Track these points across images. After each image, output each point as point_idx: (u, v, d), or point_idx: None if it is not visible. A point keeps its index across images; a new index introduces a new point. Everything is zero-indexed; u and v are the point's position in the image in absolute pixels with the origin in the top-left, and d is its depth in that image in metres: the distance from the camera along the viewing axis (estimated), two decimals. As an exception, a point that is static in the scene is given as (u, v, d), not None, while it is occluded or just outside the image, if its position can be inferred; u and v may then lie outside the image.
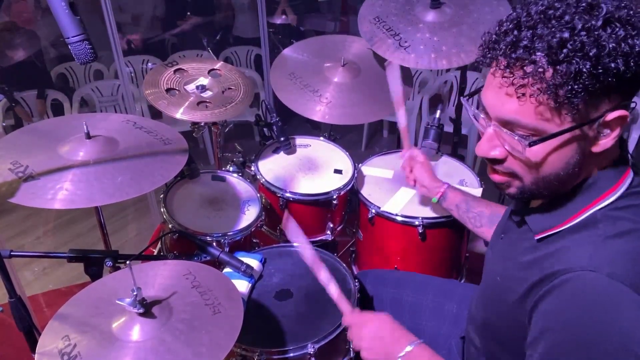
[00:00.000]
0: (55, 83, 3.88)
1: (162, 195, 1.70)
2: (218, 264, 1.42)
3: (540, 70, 0.72)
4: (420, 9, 1.81)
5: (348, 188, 1.80)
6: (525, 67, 0.73)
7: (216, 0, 4.52)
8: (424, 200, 1.68)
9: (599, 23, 0.70)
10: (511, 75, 0.75)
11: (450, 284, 1.45)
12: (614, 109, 0.75)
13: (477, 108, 0.87)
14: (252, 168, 1.87)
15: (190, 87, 1.85)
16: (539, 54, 0.72)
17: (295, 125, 3.60)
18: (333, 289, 1.16)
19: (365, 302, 1.43)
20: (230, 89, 1.89)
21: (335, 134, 2.12)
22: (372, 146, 4.17)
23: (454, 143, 2.20)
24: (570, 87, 0.71)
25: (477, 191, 1.75)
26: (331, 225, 1.86)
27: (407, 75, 1.95)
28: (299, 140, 2.03)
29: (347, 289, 1.40)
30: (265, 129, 1.99)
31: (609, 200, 0.80)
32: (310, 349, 1.21)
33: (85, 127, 1.32)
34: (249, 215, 1.70)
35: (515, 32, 0.75)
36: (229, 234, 1.60)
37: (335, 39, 2.11)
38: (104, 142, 1.36)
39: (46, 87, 3.61)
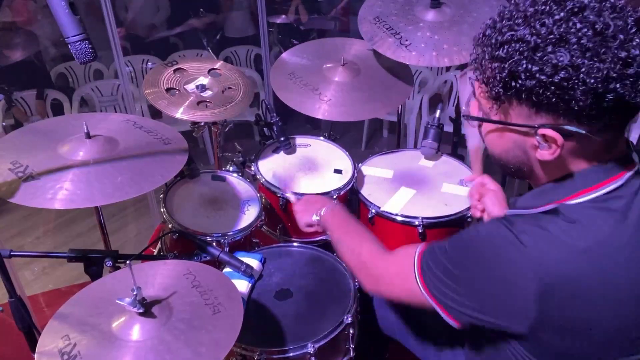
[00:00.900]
0: (55, 83, 3.88)
1: (162, 195, 1.70)
2: (218, 264, 1.42)
3: (483, 62, 0.81)
4: (420, 9, 1.81)
5: (348, 188, 1.80)
6: (481, 55, 0.82)
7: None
8: None
9: (536, 41, 0.73)
10: (475, 60, 0.84)
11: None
12: (549, 126, 0.77)
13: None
14: (252, 168, 1.87)
15: (190, 86, 1.85)
16: (487, 48, 0.80)
17: (295, 125, 3.60)
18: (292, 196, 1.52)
19: (366, 304, 1.43)
20: (230, 88, 1.89)
21: (335, 133, 2.12)
22: (372, 146, 4.17)
23: (454, 143, 2.20)
24: (492, 86, 0.80)
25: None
26: (331, 225, 1.85)
27: (407, 75, 1.96)
28: (299, 140, 2.03)
29: (347, 288, 1.40)
30: (265, 129, 1.99)
31: (581, 199, 0.80)
32: (310, 349, 1.21)
33: (85, 127, 1.32)
34: (249, 215, 1.70)
35: (490, 24, 0.81)
36: (229, 233, 1.60)
37: (335, 41, 2.11)
38: (103, 142, 1.36)
39: (46, 87, 3.61)
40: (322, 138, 2.05)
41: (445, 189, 1.79)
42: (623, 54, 0.70)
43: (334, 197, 1.76)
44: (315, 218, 1.32)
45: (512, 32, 0.75)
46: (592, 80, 0.70)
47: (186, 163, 1.40)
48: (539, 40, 0.73)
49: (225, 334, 0.99)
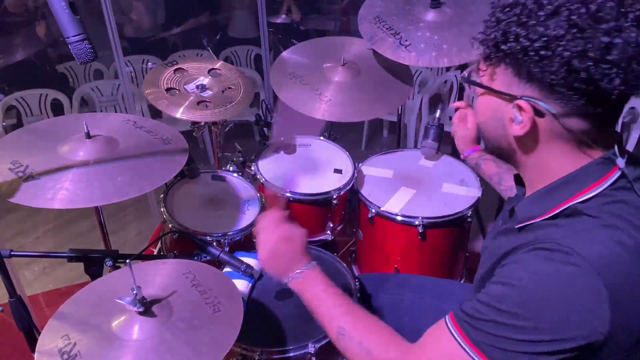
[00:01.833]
0: (55, 83, 3.88)
1: (162, 195, 1.70)
2: (218, 264, 1.42)
3: (488, 22, 0.83)
4: (421, 9, 1.81)
5: (348, 188, 1.80)
6: (489, 16, 0.84)
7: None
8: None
9: (533, 8, 0.76)
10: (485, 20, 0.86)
11: (450, 284, 1.45)
12: (525, 98, 0.80)
13: None
14: (252, 168, 1.87)
15: (190, 86, 1.85)
16: (494, 9, 0.82)
17: (295, 125, 3.60)
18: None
19: (365, 304, 1.43)
20: (230, 88, 1.89)
21: (335, 133, 2.12)
22: (372, 146, 4.17)
23: (454, 143, 2.19)
24: (486, 45, 0.83)
25: (477, 191, 1.76)
26: (331, 225, 1.86)
27: (407, 75, 1.96)
28: (299, 140, 2.03)
29: (347, 288, 1.40)
30: (265, 129, 1.99)
31: (590, 194, 0.80)
32: (311, 349, 1.21)
33: (85, 127, 1.32)
34: (249, 215, 1.70)
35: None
36: (229, 233, 1.60)
37: (335, 41, 2.11)
38: (103, 141, 1.36)
39: (46, 86, 3.61)
40: (322, 138, 2.05)
41: (445, 188, 1.79)
42: (606, 39, 0.71)
43: (334, 196, 1.76)
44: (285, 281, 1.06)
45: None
46: (568, 53, 0.72)
47: (186, 163, 1.40)
48: (536, 9, 0.75)
49: (225, 334, 0.99)
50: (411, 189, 1.78)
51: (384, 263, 1.78)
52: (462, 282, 1.86)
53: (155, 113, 3.39)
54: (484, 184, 1.78)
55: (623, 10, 0.73)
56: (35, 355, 0.96)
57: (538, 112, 0.80)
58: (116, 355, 0.94)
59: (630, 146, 3.10)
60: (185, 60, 1.96)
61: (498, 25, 0.80)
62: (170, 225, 1.61)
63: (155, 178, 1.28)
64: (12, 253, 1.27)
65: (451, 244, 1.75)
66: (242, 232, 1.63)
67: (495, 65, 0.84)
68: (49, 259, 2.79)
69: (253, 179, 1.87)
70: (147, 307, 1.00)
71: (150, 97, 1.77)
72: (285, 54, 2.04)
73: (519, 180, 0.99)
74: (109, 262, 1.31)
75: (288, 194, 1.75)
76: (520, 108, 0.81)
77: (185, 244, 1.58)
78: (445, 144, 1.82)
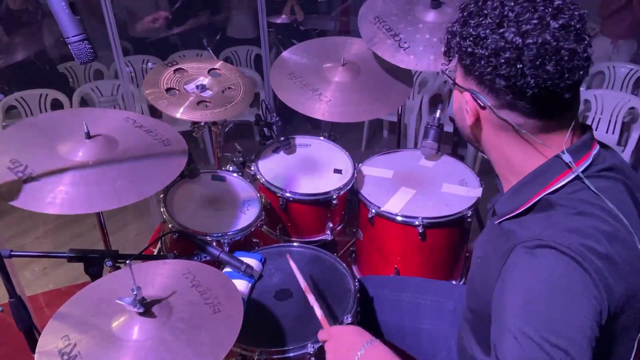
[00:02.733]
0: (54, 83, 3.88)
1: (162, 195, 1.70)
2: (218, 264, 1.42)
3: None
4: (421, 9, 1.81)
5: (348, 188, 1.80)
6: None
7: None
8: None
9: (477, 11, 0.85)
10: None
11: (450, 285, 1.45)
12: (471, 91, 0.89)
13: None
14: (252, 168, 1.87)
15: (190, 86, 1.85)
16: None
17: (296, 125, 3.60)
18: (318, 311, 1.15)
19: (365, 305, 1.43)
20: (230, 88, 1.89)
21: (335, 133, 2.12)
22: (372, 146, 4.17)
23: (454, 143, 2.20)
24: (444, 42, 0.93)
25: (477, 191, 1.76)
26: (331, 225, 1.86)
27: (407, 75, 1.96)
28: (299, 140, 2.03)
29: (347, 289, 1.40)
30: (265, 129, 1.99)
31: (559, 184, 0.84)
32: (311, 349, 1.21)
33: (85, 127, 1.32)
34: (249, 215, 1.70)
35: None
36: (228, 233, 1.60)
37: (335, 41, 2.11)
38: (103, 142, 1.35)
39: (46, 86, 3.61)
40: (322, 138, 2.05)
41: (445, 189, 1.79)
42: (518, 40, 0.79)
43: (334, 196, 1.76)
44: None
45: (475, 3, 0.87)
46: (487, 52, 0.81)
47: (186, 163, 1.40)
48: (476, 13, 0.85)
49: (225, 334, 0.99)
50: (411, 189, 1.78)
51: (384, 263, 1.77)
52: (462, 283, 1.86)
53: (155, 113, 3.39)
54: (485, 183, 1.78)
55: (552, 14, 0.79)
56: (36, 356, 0.96)
57: (479, 104, 0.89)
58: (116, 356, 0.94)
59: (630, 146, 3.10)
60: (185, 60, 1.96)
61: (451, 26, 0.90)
62: (170, 225, 1.61)
63: (154, 182, 1.27)
64: (12, 253, 1.27)
65: (451, 244, 1.75)
66: (242, 232, 1.63)
67: (452, 60, 0.93)
68: (49, 259, 2.79)
69: (253, 179, 1.87)
70: (147, 307, 1.00)
71: (150, 97, 1.77)
72: (285, 54, 2.04)
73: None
74: (109, 263, 1.31)
75: (288, 194, 1.75)
76: (466, 100, 0.90)
77: (185, 244, 1.58)
78: (445, 144, 1.82)
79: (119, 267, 1.30)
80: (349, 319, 1.29)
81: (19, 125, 1.45)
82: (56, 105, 3.61)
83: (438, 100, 3.67)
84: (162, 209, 1.65)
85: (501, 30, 0.81)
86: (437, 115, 1.82)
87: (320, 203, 1.79)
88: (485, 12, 0.83)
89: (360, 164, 1.92)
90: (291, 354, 1.22)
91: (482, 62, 0.83)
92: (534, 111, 0.84)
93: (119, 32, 2.72)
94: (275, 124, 1.92)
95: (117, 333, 0.98)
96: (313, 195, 1.76)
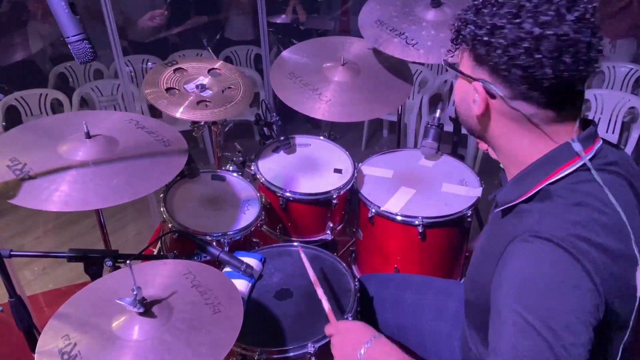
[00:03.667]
0: (55, 83, 3.88)
1: (162, 195, 1.70)
2: (218, 264, 1.42)
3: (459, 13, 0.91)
4: (421, 9, 1.81)
5: (348, 187, 1.80)
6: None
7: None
8: None
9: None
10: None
11: (451, 284, 1.45)
12: (481, 80, 0.87)
13: None
14: (252, 167, 1.87)
15: (190, 86, 1.85)
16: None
17: (296, 124, 3.60)
18: (326, 304, 1.16)
19: (366, 304, 1.43)
20: (230, 88, 1.89)
21: (335, 133, 2.12)
22: (372, 146, 4.17)
23: (454, 142, 2.20)
24: (454, 29, 0.91)
25: (477, 191, 1.76)
26: (331, 225, 1.86)
27: (407, 74, 1.96)
28: (299, 140, 2.03)
29: (347, 288, 1.40)
30: (265, 129, 1.99)
31: (561, 174, 0.85)
32: (311, 349, 1.21)
33: (85, 127, 1.32)
34: (249, 214, 1.70)
35: None
36: (228, 233, 1.60)
37: (335, 40, 2.11)
38: (103, 142, 1.35)
39: (46, 86, 3.61)
40: (322, 138, 2.05)
41: (445, 188, 1.79)
42: (538, 31, 0.79)
43: (334, 196, 1.76)
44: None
45: None
46: (506, 42, 0.81)
47: (186, 163, 1.40)
48: (493, 1, 0.84)
49: (225, 334, 0.99)
50: (411, 189, 1.78)
51: (384, 263, 1.77)
52: (462, 281, 1.85)
53: (155, 113, 3.39)
54: (485, 183, 1.78)
55: (567, 7, 0.79)
56: (36, 356, 0.96)
57: (490, 94, 0.88)
58: (116, 356, 0.94)
59: (630, 146, 3.10)
60: (185, 60, 1.96)
61: (463, 14, 0.89)
62: (170, 225, 1.61)
63: (151, 182, 1.27)
64: (12, 253, 1.26)
65: (451, 244, 1.75)
66: (242, 232, 1.63)
67: (462, 50, 0.92)
68: (49, 259, 2.79)
69: (253, 179, 1.87)
70: (147, 307, 1.00)
71: (150, 97, 1.77)
72: (285, 53, 2.04)
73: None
74: (108, 262, 1.31)
75: (288, 194, 1.75)
76: (476, 90, 0.89)
77: (185, 244, 1.58)
78: (445, 143, 1.82)
79: (119, 267, 1.30)
80: (350, 319, 1.29)
81: (22, 127, 1.46)
82: (56, 105, 3.61)
83: (438, 99, 3.65)
84: (162, 209, 1.65)
85: (518, 20, 0.80)
86: (437, 115, 1.82)
87: (320, 203, 1.79)
88: (501, 1, 0.83)
89: (360, 164, 1.92)
90: (291, 354, 1.22)
91: (499, 51, 0.82)
92: (547, 102, 0.84)
93: (119, 32, 2.72)
94: (275, 123, 1.92)
95: (117, 333, 0.98)
96: (313, 195, 1.76)
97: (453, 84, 3.65)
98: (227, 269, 1.41)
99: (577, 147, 0.85)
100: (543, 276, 0.77)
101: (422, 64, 3.69)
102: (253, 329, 1.27)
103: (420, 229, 1.63)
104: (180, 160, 1.39)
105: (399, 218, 1.65)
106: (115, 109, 3.80)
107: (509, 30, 0.81)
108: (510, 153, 0.93)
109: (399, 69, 1.92)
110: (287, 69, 1.97)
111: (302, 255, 1.26)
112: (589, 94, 3.24)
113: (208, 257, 1.44)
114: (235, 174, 1.87)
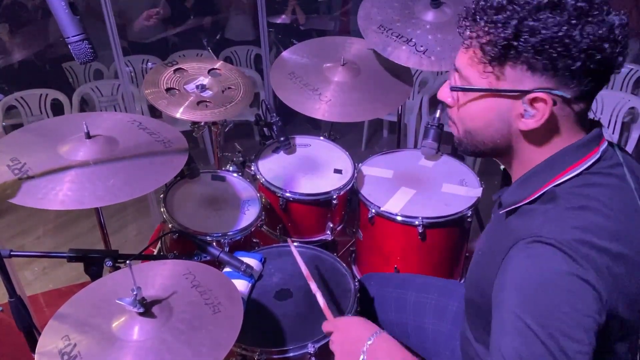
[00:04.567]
0: (54, 83, 3.88)
1: (162, 195, 1.70)
2: (218, 264, 1.42)
3: (479, 25, 0.83)
4: (421, 9, 1.81)
5: (348, 188, 1.80)
6: (475, 22, 0.84)
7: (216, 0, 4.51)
8: None
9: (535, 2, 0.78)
10: (467, 29, 0.86)
11: (453, 284, 1.45)
12: (540, 90, 0.81)
13: None
14: (252, 168, 1.87)
15: (190, 86, 1.85)
16: (485, 12, 0.82)
17: (296, 124, 3.60)
18: (320, 299, 1.14)
19: (367, 304, 1.43)
20: (230, 88, 1.89)
21: (335, 133, 2.12)
22: (372, 146, 4.17)
23: (454, 143, 2.20)
24: (491, 48, 0.81)
25: (477, 191, 1.76)
26: (331, 225, 1.86)
27: (407, 75, 1.96)
28: (299, 140, 2.03)
29: (347, 288, 1.40)
30: (265, 129, 1.99)
31: (567, 176, 0.84)
32: (311, 349, 1.21)
33: (85, 127, 1.32)
34: (249, 215, 1.70)
35: None
36: (228, 233, 1.60)
37: (335, 41, 2.11)
38: (103, 142, 1.35)
39: (46, 86, 3.61)
40: (322, 138, 2.05)
41: (445, 189, 1.79)
42: (611, 19, 0.78)
43: (334, 196, 1.76)
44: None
45: None
46: (584, 38, 0.76)
47: (186, 163, 1.40)
48: (536, 2, 0.78)
49: (225, 334, 0.99)
50: (411, 189, 1.78)
51: (384, 263, 1.77)
52: (462, 282, 1.85)
53: (155, 113, 3.40)
54: (485, 183, 1.78)
55: (606, 12, 0.79)
56: (36, 356, 0.96)
57: (553, 101, 0.82)
58: (116, 356, 0.94)
59: (630, 146, 3.10)
60: (185, 60, 1.96)
61: (506, 24, 0.79)
62: (170, 225, 1.61)
63: (149, 182, 1.27)
64: (12, 253, 1.27)
65: (451, 244, 1.75)
66: (242, 232, 1.63)
67: (500, 64, 0.83)
68: (49, 259, 2.79)
69: (253, 179, 1.87)
70: (147, 308, 1.01)
71: (150, 97, 1.77)
72: (285, 53, 2.04)
73: (505, 179, 1.02)
74: (108, 262, 1.31)
75: (288, 194, 1.75)
76: (533, 101, 0.82)
77: (185, 244, 1.58)
78: (445, 144, 1.82)
79: (119, 267, 1.30)
80: None
81: (21, 130, 1.47)
82: (56, 105, 3.61)
83: (438, 100, 3.66)
84: (162, 209, 1.65)
85: (585, 14, 0.77)
86: (437, 115, 1.81)
87: (320, 203, 1.79)
88: (560, 8, 0.78)
89: (360, 164, 1.92)
90: (291, 354, 1.22)
91: (574, 52, 0.77)
92: (593, 93, 0.85)
93: (119, 32, 2.72)
94: (275, 123, 1.92)
95: (118, 333, 0.99)
96: (313, 195, 1.76)
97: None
98: (227, 269, 1.41)
99: (606, 134, 0.86)
100: (544, 281, 0.76)
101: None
102: (253, 329, 1.27)
103: (420, 229, 1.63)
104: (180, 160, 1.39)
105: (399, 218, 1.65)
106: (115, 110, 3.80)
107: (581, 27, 0.77)
108: (523, 157, 0.91)
109: (399, 70, 1.92)
110: (287, 69, 1.97)
111: (293, 249, 1.26)
112: (589, 94, 3.24)
113: (208, 258, 1.44)
114: (235, 174, 1.87)
